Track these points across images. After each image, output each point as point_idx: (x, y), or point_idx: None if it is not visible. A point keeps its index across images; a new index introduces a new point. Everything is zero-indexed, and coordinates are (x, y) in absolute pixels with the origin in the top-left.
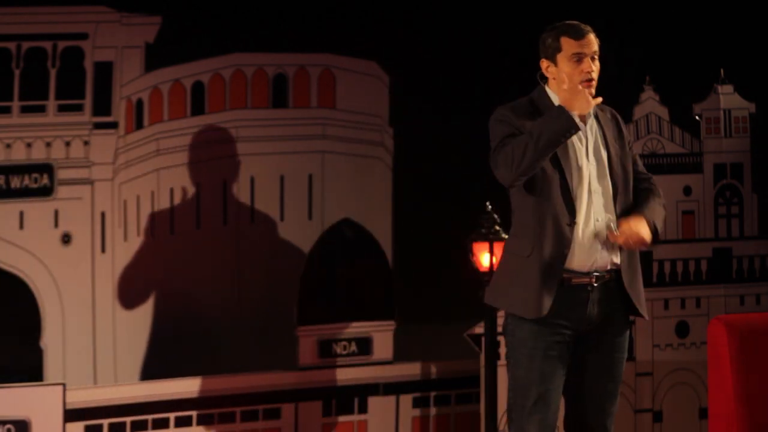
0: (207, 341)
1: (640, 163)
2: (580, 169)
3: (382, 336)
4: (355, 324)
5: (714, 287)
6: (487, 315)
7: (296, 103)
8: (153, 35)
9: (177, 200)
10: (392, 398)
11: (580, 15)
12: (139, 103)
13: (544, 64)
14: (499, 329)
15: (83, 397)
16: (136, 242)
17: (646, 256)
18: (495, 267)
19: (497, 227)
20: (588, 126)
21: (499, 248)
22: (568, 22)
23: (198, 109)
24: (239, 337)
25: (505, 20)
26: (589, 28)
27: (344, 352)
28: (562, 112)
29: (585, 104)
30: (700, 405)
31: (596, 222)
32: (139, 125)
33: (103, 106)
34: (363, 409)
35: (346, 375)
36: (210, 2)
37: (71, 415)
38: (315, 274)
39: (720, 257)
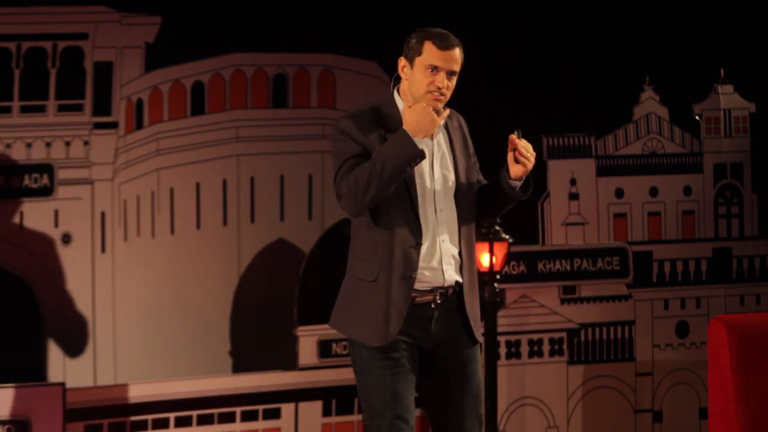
0: (207, 341)
1: (479, 174)
2: (426, 187)
3: None
4: None
5: (714, 287)
6: (487, 315)
7: (296, 103)
8: (153, 35)
9: (177, 200)
10: None
11: (581, 15)
12: (139, 103)
13: (402, 62)
14: (499, 329)
15: (83, 397)
16: (136, 242)
17: (645, 256)
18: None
19: (497, 227)
20: (435, 140)
21: (499, 248)
22: (439, 29)
23: (198, 109)
24: (239, 337)
25: (504, 21)
26: (458, 42)
27: (344, 352)
28: (406, 141)
29: (429, 127)
30: (700, 405)
31: (442, 243)
32: (139, 125)
33: (103, 106)
34: None
35: (346, 375)
36: (210, 2)
37: (71, 415)
38: (315, 274)
39: (720, 257)
